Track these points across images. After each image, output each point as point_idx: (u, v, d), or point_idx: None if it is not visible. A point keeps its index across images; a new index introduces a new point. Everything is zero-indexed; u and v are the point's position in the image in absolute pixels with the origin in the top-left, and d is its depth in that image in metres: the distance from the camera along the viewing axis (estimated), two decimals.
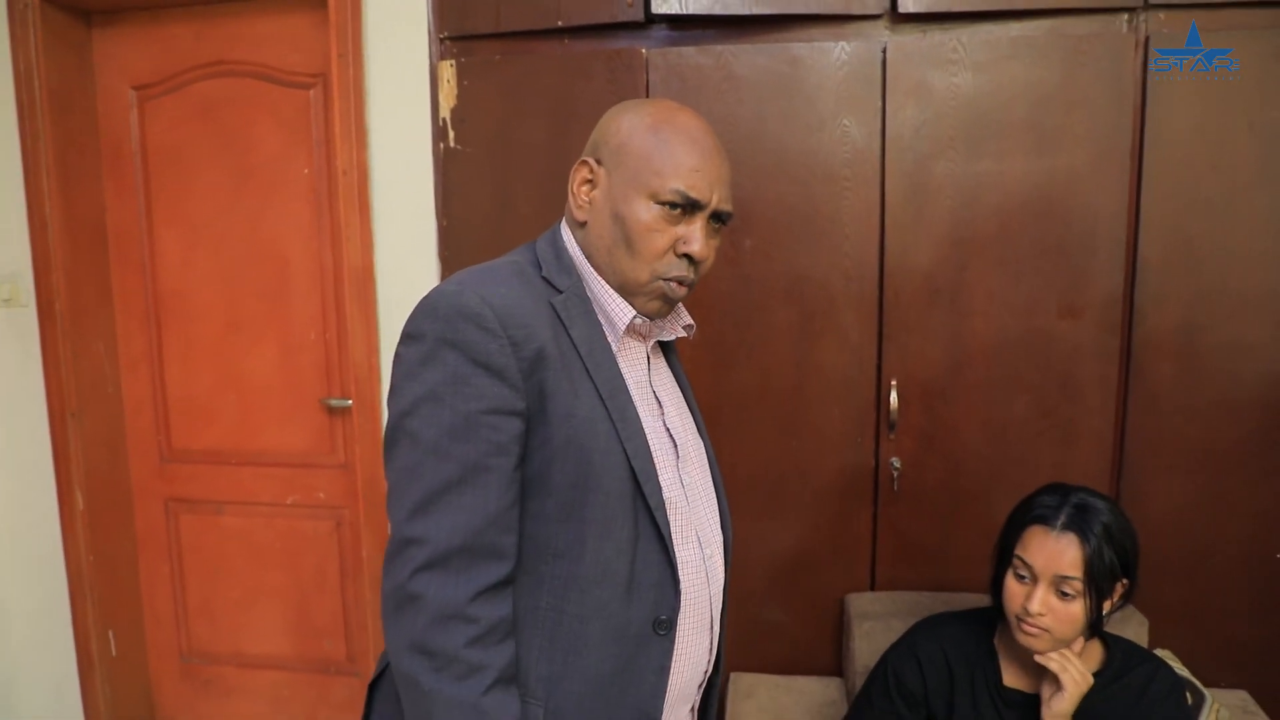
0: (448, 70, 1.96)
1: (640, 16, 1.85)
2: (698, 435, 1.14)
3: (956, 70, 1.80)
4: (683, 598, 1.01)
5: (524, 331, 0.92)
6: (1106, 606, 1.33)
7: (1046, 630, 1.30)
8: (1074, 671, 1.30)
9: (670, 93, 1.85)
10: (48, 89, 2.19)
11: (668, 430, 1.07)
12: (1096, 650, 1.40)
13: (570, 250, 1.05)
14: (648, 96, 1.87)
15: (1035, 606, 1.30)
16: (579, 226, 1.04)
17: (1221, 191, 1.77)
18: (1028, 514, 1.38)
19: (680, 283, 1.02)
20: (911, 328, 1.86)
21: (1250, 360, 1.80)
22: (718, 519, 1.12)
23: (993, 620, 1.46)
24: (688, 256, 1.01)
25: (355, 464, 2.16)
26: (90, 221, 2.32)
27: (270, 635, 2.42)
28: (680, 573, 1.00)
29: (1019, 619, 1.33)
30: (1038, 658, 1.32)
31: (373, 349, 2.09)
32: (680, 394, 1.15)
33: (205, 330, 2.35)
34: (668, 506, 1.01)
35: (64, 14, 2.23)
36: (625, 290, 1.02)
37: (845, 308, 1.87)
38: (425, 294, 0.95)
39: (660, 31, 1.90)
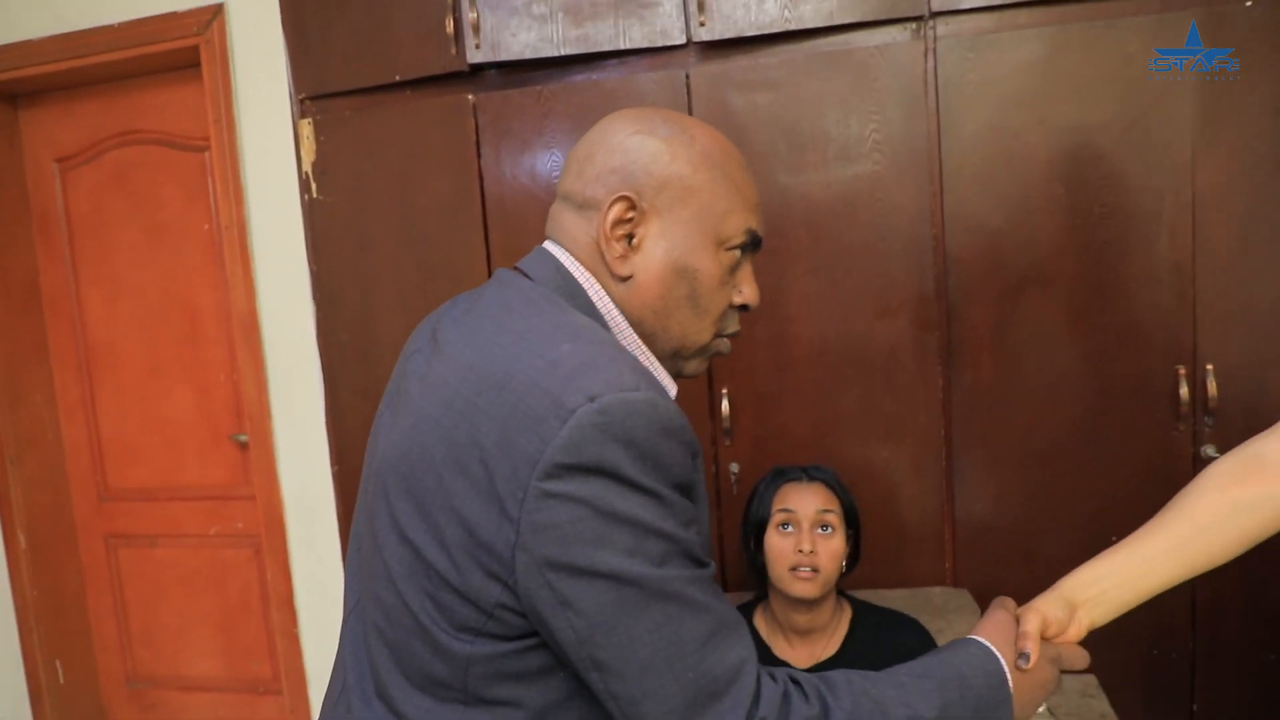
0: (307, 128, 2.13)
1: (465, 66, 1.99)
2: None
3: (756, 90, 1.89)
4: None
5: (692, 433, 0.75)
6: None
7: (817, 571, 1.43)
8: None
9: (495, 135, 1.99)
10: None
11: None
12: (847, 610, 1.50)
13: (609, 313, 0.84)
14: (478, 140, 2.00)
15: (806, 545, 1.44)
16: (618, 281, 0.83)
17: (1017, 187, 1.83)
18: (774, 480, 1.57)
19: (734, 337, 0.90)
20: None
21: (1061, 349, 1.84)
22: None
23: (749, 609, 1.56)
24: (741, 306, 0.88)
25: (258, 494, 2.33)
26: (24, 283, 2.56)
27: (205, 659, 2.61)
28: None
29: (792, 569, 1.44)
30: None
31: (262, 388, 2.27)
32: None
33: (131, 377, 2.56)
34: None
35: None
36: (679, 354, 0.87)
37: None
38: (574, 394, 0.69)
39: (490, 77, 2.04)
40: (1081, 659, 0.90)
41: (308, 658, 2.36)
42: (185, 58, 2.28)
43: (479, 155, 2.00)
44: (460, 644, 0.73)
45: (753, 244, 0.87)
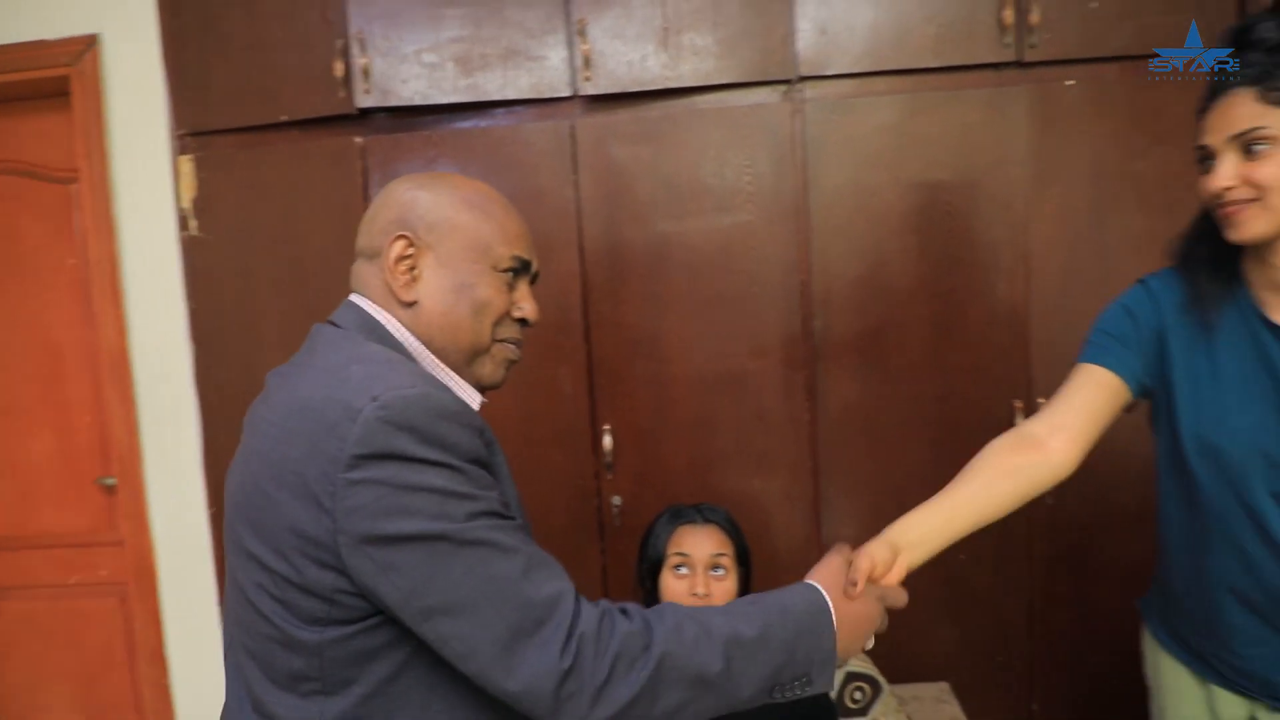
0: (186, 164, 2.10)
1: (354, 109, 2.02)
2: None
3: (638, 142, 2.00)
4: None
5: (478, 420, 0.90)
6: None
7: None
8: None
9: (384, 177, 2.02)
10: None
11: None
12: None
13: (405, 340, 0.97)
14: (364, 182, 2.03)
15: (701, 589, 1.47)
16: (404, 306, 0.97)
17: (876, 238, 2.00)
18: (670, 522, 1.59)
19: (517, 345, 1.05)
20: (618, 376, 2.04)
21: (914, 386, 2.02)
22: None
23: None
24: (522, 320, 1.04)
25: (127, 540, 2.25)
26: None
27: (60, 718, 2.45)
28: None
29: None
30: None
31: (132, 429, 2.19)
32: None
33: None
34: None
35: None
36: (472, 356, 1.00)
37: (557, 361, 2.04)
38: (360, 397, 0.82)
39: (379, 120, 2.07)
40: (901, 598, 1.07)
41: (180, 710, 2.27)
42: (53, 87, 2.21)
43: (366, 197, 2.03)
44: (312, 634, 0.83)
45: (523, 268, 1.03)
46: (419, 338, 0.97)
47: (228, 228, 2.11)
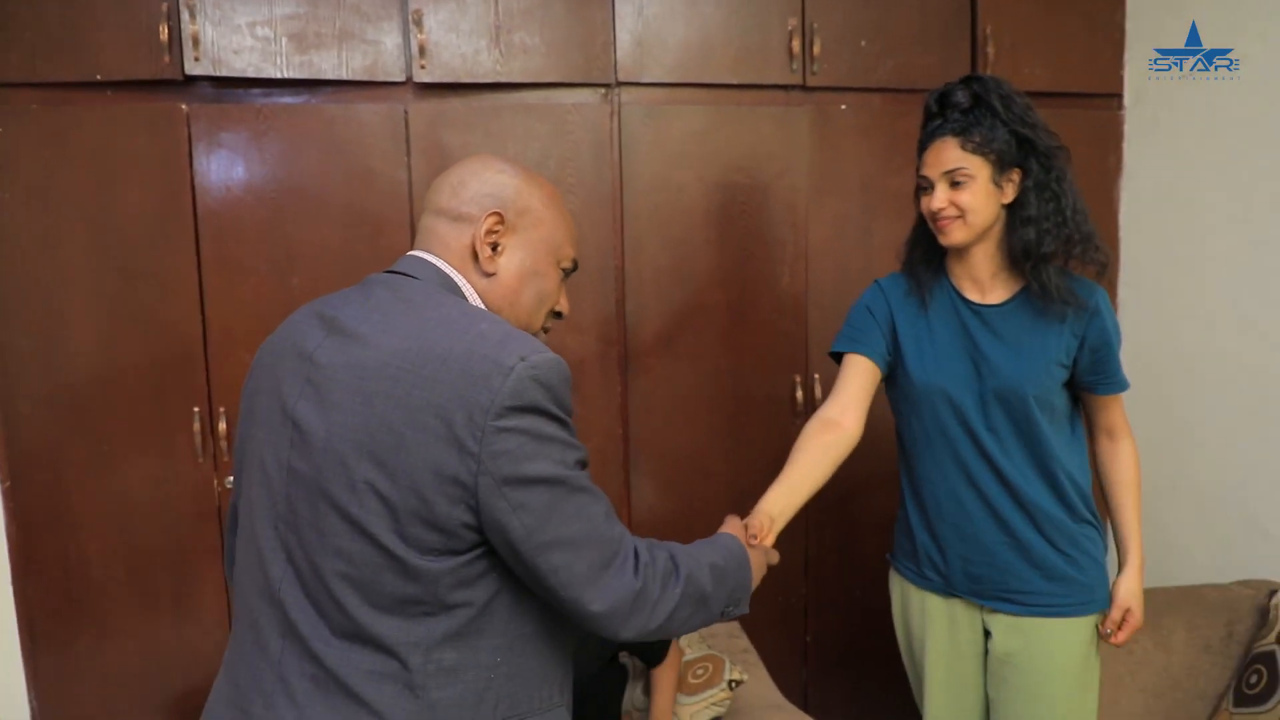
0: None
1: (179, 75, 2.00)
2: None
3: (469, 131, 2.14)
4: None
5: None
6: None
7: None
8: None
9: (209, 146, 2.02)
10: None
11: None
12: None
13: (476, 303, 1.08)
14: (189, 150, 2.01)
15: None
16: (482, 275, 1.08)
17: (681, 231, 2.26)
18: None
19: (546, 333, 1.18)
20: None
21: (712, 363, 2.30)
22: None
23: None
24: (558, 314, 1.18)
25: None
26: None
27: None
28: None
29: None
30: None
31: None
32: None
33: None
34: None
35: None
36: None
37: None
38: (509, 355, 0.93)
39: (205, 89, 2.06)
40: (776, 556, 1.36)
41: None
42: None
43: (192, 166, 2.02)
44: (429, 563, 0.93)
45: (574, 269, 1.18)
46: (489, 306, 1.08)
47: (28, 187, 2.01)
